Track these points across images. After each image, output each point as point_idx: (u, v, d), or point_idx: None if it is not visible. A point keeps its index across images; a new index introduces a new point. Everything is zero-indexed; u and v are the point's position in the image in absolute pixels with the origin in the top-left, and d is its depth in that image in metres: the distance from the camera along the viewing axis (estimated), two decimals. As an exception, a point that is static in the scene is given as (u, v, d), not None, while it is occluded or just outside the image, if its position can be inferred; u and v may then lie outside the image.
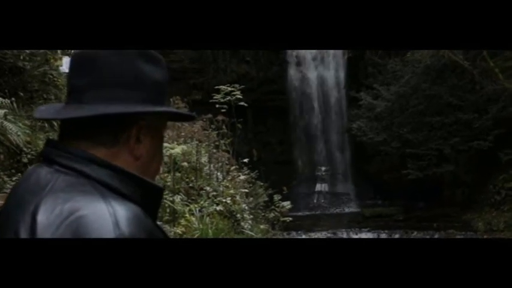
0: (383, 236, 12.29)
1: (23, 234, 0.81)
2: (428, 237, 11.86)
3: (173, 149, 6.03)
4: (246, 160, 8.03)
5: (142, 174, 0.91)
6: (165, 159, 6.00)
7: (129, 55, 0.91)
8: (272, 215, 7.68)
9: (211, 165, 7.15)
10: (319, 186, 17.28)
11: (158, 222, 1.00)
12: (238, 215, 6.29)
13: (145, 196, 0.89)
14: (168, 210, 5.43)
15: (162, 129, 0.99)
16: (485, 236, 11.21)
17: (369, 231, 12.64)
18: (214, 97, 7.64)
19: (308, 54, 17.64)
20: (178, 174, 6.26)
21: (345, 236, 12.53)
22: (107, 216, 0.78)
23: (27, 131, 5.72)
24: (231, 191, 6.71)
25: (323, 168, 17.51)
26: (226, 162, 7.59)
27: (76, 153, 0.87)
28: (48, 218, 0.79)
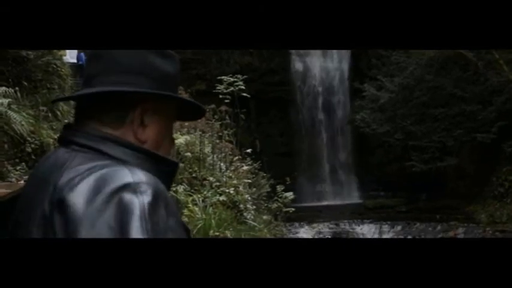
0: (385, 227, 12.31)
1: (47, 208, 0.83)
2: (430, 228, 11.90)
3: (176, 139, 6.03)
4: (249, 150, 8.04)
5: None
6: (169, 149, 6.00)
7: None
8: (275, 205, 7.71)
9: (215, 156, 7.16)
10: (321, 178, 17.30)
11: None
12: (241, 206, 6.32)
13: (161, 171, 0.92)
14: (171, 200, 5.45)
15: (170, 117, 1.01)
16: (487, 228, 11.22)
17: (371, 222, 12.66)
18: (217, 88, 7.63)
19: (311, 45, 17.57)
20: (181, 165, 6.27)
21: (347, 227, 12.56)
22: (126, 170, 0.83)
23: (31, 121, 5.74)
24: (234, 182, 6.73)
25: (326, 160, 17.53)
26: (230, 152, 7.60)
27: (91, 132, 0.92)
28: (68, 178, 0.84)
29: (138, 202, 0.78)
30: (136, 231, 0.76)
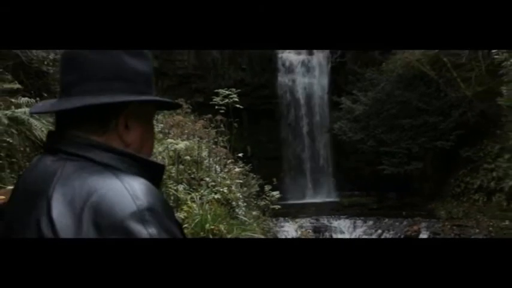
0: (359, 222, 12.35)
1: (45, 228, 0.73)
2: (397, 223, 11.96)
3: (177, 144, 6.04)
4: (241, 155, 8.05)
5: None
6: (170, 153, 6.02)
7: (114, 51, 0.86)
8: (263, 203, 7.71)
9: (211, 159, 7.17)
10: (304, 179, 17.34)
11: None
12: (233, 203, 6.31)
13: (148, 174, 0.84)
14: (172, 198, 5.45)
15: (150, 117, 0.92)
16: (446, 223, 11.32)
17: (346, 218, 12.68)
18: (214, 100, 7.64)
19: (296, 63, 17.66)
20: (181, 167, 6.28)
21: (326, 221, 12.58)
22: (124, 191, 0.73)
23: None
24: (228, 182, 6.73)
25: (308, 163, 17.58)
26: (224, 156, 7.61)
27: (78, 140, 0.82)
28: (66, 208, 0.73)
29: (147, 233, 0.71)
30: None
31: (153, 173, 0.85)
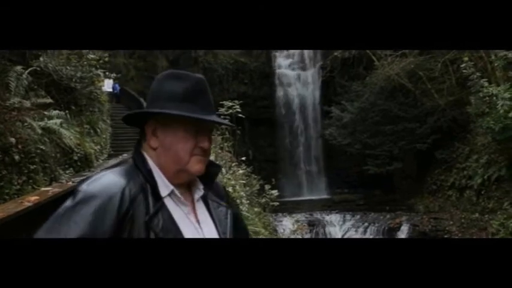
0: (348, 216, 12.32)
1: None
2: (381, 217, 11.94)
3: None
4: (243, 158, 8.06)
5: (159, 161, 0.91)
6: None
7: (160, 76, 0.93)
8: (263, 200, 7.70)
9: (217, 162, 7.15)
10: (299, 179, 17.33)
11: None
12: (237, 201, 6.30)
13: (140, 177, 0.90)
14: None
15: (178, 129, 0.90)
16: (424, 216, 11.29)
17: (337, 212, 12.67)
18: (220, 110, 7.66)
19: (291, 77, 17.72)
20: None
21: (319, 216, 12.56)
22: (98, 179, 0.84)
23: (77, 136, 5.77)
24: (232, 182, 6.73)
25: (302, 165, 17.58)
26: (229, 160, 7.61)
27: (137, 147, 0.94)
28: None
29: (66, 203, 0.81)
30: (48, 221, 0.79)
31: (142, 177, 0.88)
